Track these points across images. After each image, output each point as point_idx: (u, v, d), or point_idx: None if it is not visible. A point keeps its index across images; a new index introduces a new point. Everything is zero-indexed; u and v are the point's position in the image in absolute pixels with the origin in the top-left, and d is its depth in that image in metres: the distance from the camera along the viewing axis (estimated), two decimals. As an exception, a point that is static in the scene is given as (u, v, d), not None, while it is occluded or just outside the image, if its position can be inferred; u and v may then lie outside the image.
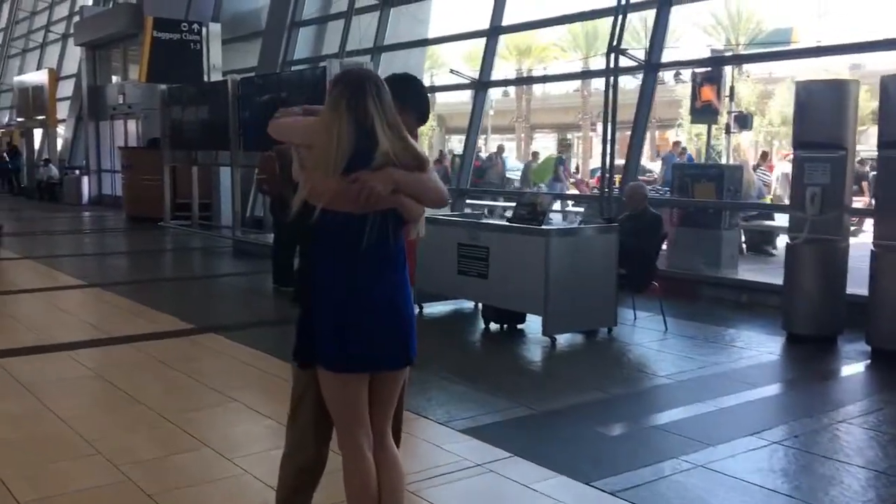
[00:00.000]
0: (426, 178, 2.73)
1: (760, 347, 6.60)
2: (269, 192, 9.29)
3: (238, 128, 12.69)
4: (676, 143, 17.05)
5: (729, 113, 18.02)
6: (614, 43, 9.49)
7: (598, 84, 38.95)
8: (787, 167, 14.99)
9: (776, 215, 13.02)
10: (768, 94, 36.57)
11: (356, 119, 2.61)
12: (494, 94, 39.80)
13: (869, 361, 6.20)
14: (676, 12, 9.77)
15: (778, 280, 10.17)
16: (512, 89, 41.64)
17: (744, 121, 18.42)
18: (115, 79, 22.44)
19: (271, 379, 5.57)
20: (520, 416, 4.78)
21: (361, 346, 2.70)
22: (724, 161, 19.38)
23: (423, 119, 2.98)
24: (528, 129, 43.49)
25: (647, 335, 7.03)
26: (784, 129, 35.48)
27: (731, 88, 18.76)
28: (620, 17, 9.50)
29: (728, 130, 19.42)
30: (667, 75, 10.31)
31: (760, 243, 12.58)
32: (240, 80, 12.78)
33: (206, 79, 15.97)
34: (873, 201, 8.26)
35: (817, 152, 6.64)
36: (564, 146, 18.00)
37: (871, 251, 6.42)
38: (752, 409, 5.11)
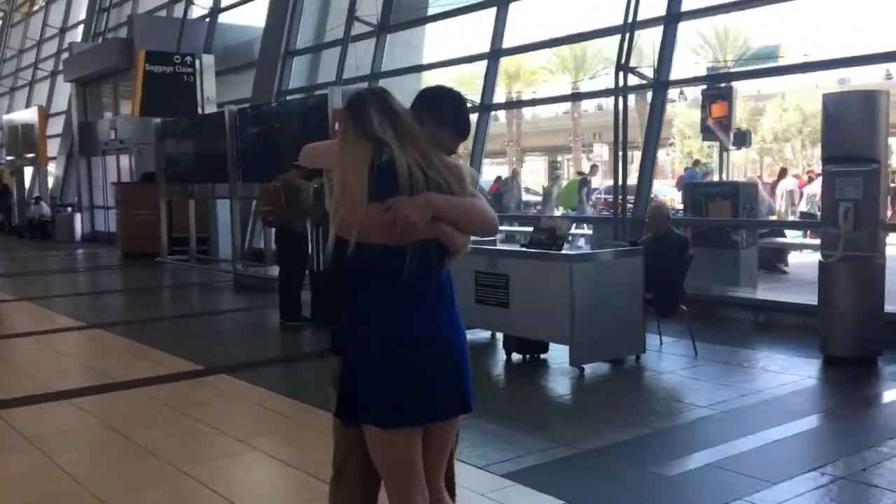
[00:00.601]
0: (470, 203, 2.44)
1: (798, 371, 6.31)
2: (274, 223, 8.98)
3: (236, 159, 12.40)
4: (697, 162, 16.87)
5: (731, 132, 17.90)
6: (622, 61, 9.27)
7: (588, 106, 39.04)
8: (792, 183, 14.89)
9: (787, 232, 12.85)
10: (759, 111, 36.64)
11: (370, 138, 2.35)
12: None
13: (915, 383, 5.93)
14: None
15: (795, 298, 10.00)
16: (502, 113, 41.62)
17: (742, 138, 18.27)
18: (106, 114, 22.18)
19: (289, 422, 5.25)
20: (563, 457, 4.45)
21: (411, 396, 2.38)
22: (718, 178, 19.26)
23: (463, 134, 2.66)
24: (520, 151, 43.42)
25: (676, 362, 6.73)
26: (776, 145, 35.54)
27: (702, 108, 18.74)
28: (628, 34, 9.29)
29: (725, 147, 19.30)
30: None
31: (773, 261, 12.32)
32: (237, 111, 12.51)
33: (200, 111, 15.72)
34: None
35: (848, 166, 6.39)
36: (592, 170, 17.60)
37: (911, 267, 6.17)
38: (806, 440, 4.81)
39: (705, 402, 5.48)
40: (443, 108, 2.62)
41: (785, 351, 7.04)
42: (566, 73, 38.79)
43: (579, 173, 20.65)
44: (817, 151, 34.14)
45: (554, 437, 4.76)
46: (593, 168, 18.38)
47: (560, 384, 6.30)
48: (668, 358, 6.90)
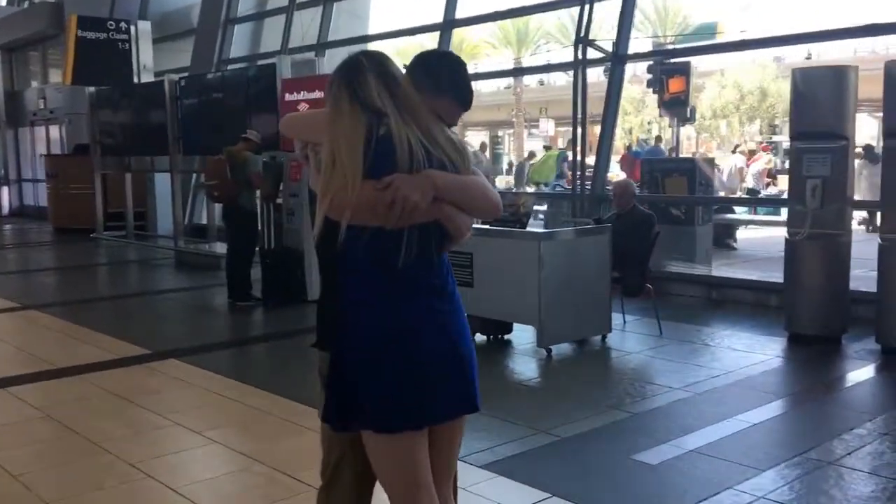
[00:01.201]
0: (473, 181, 2.18)
1: (765, 350, 6.25)
2: (221, 199, 8.57)
3: (176, 130, 11.86)
4: (659, 138, 16.81)
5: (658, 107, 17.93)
6: (582, 34, 9.07)
7: (529, 81, 38.82)
8: (740, 160, 15.00)
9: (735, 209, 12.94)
10: (698, 87, 37.02)
11: (366, 108, 2.08)
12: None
13: (881, 361, 5.91)
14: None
15: (749, 275, 10.03)
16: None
17: (691, 113, 18.38)
18: (34, 83, 21.13)
19: (248, 411, 4.95)
20: (543, 445, 4.27)
21: (410, 393, 2.13)
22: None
23: (466, 103, 2.38)
24: (461, 127, 43.19)
25: (643, 341, 6.62)
26: (714, 122, 35.99)
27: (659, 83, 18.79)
28: (588, 6, 9.09)
29: (670, 123, 19.40)
30: (598, 70, 9.94)
31: (722, 237, 12.38)
32: (177, 81, 11.95)
33: (136, 80, 14.99)
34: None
35: (817, 143, 6.32)
36: (568, 144, 17.13)
37: (879, 245, 6.14)
38: (785, 424, 4.74)
39: (678, 384, 5.36)
40: (442, 73, 2.34)
41: (748, 329, 6.99)
42: (508, 47, 38.56)
43: (546, 147, 20.34)
44: (754, 128, 34.65)
45: (530, 424, 4.57)
46: (570, 143, 18.07)
47: (529, 367, 6.12)
48: (633, 337, 6.78)
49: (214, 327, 7.76)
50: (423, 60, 2.38)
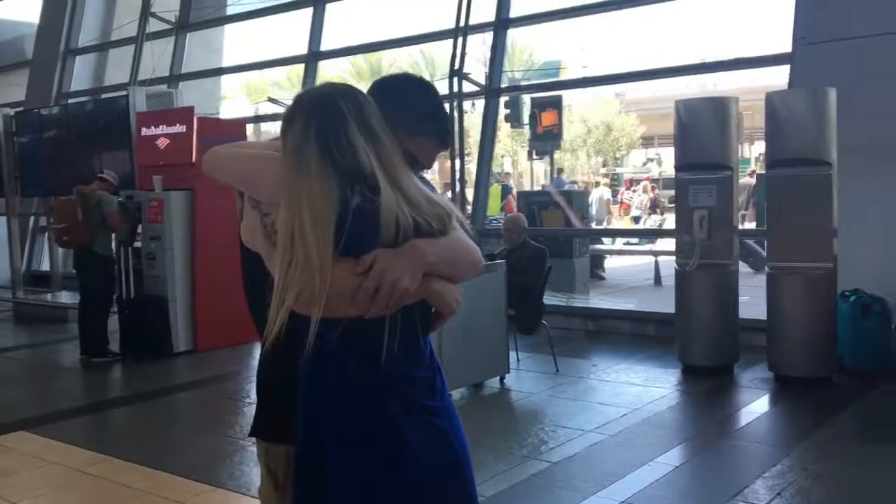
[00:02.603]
0: (458, 242, 1.78)
1: (663, 384, 6.17)
2: (71, 244, 7.69)
3: (13, 170, 10.75)
4: (561, 170, 16.88)
5: (530, 140, 18.28)
6: (456, 66, 8.91)
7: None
8: (606, 192, 15.41)
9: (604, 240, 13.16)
10: (548, 122, 38.11)
11: (338, 166, 1.64)
12: (277, 127, 38.56)
13: (775, 389, 5.94)
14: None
15: (625, 305, 10.13)
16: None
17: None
18: None
19: (120, 491, 4.29)
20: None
21: None
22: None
23: (446, 142, 1.97)
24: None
25: (541, 380, 6.39)
26: (569, 155, 37.21)
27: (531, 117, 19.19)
28: (461, 38, 8.94)
29: (531, 156, 19.77)
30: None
31: (593, 268, 12.52)
32: (14, 116, 10.86)
33: (-39, 115, 13.60)
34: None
35: (702, 174, 6.35)
36: (505, 176, 16.62)
37: (767, 273, 6.21)
38: (708, 465, 4.58)
39: (589, 426, 5.13)
40: (418, 106, 1.90)
41: (640, 362, 6.92)
42: (362, 81, 38.45)
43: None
44: (599, 160, 35.85)
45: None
46: (507, 175, 17.75)
47: (428, 415, 5.73)
48: (530, 377, 6.55)
49: (68, 390, 6.86)
50: (389, 89, 1.91)
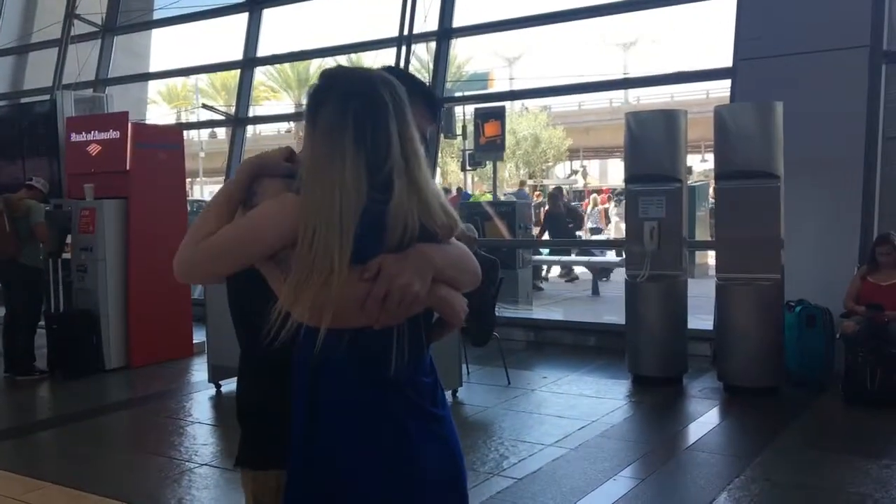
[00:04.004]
0: (462, 250, 1.71)
1: (615, 395, 6.16)
2: (-6, 256, 7.26)
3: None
4: (523, 182, 16.87)
5: (463, 151, 18.32)
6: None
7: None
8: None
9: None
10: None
11: (370, 162, 1.53)
12: (202, 135, 37.76)
13: (725, 398, 5.99)
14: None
15: (566, 316, 10.17)
16: (221, 130, 39.49)
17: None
18: None
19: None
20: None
21: None
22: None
23: (436, 109, 1.94)
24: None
25: (494, 393, 6.30)
26: (499, 164, 37.48)
27: (463, 128, 19.27)
28: (404, 48, 8.84)
29: (464, 167, 19.84)
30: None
31: (531, 278, 12.56)
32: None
33: None
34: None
35: (651, 185, 6.39)
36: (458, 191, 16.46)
37: (716, 284, 6.27)
38: (673, 478, 4.56)
39: (549, 439, 5.07)
40: (406, 83, 1.80)
41: (589, 372, 6.91)
42: (289, 91, 37.89)
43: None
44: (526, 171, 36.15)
45: None
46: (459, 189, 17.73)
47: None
48: (482, 389, 6.46)
49: (-8, 411, 6.46)
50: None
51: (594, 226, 15.19)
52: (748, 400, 5.89)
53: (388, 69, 1.90)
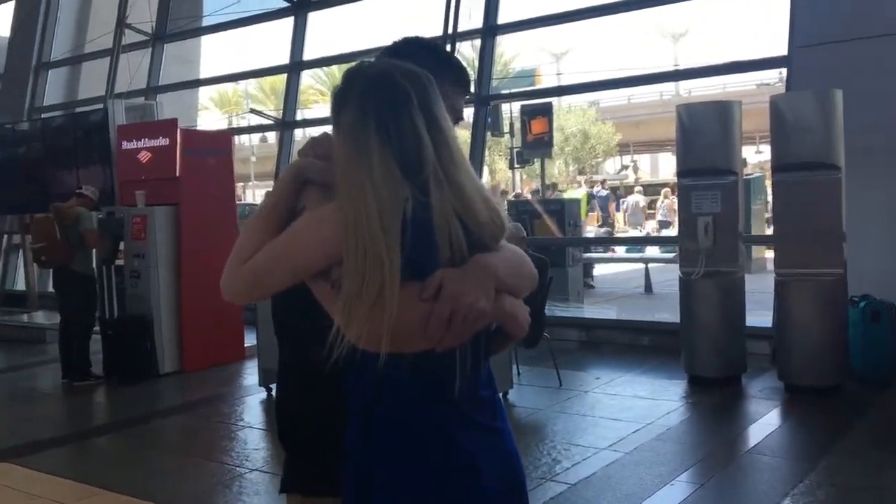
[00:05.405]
0: (519, 255, 1.60)
1: (671, 396, 5.99)
2: (50, 263, 7.39)
3: (-14, 187, 10.42)
4: (604, 181, 16.80)
5: (510, 148, 18.18)
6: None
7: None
8: (641, 198, 15.62)
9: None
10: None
11: (402, 160, 1.43)
12: (254, 139, 38.24)
13: (786, 399, 5.78)
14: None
15: (620, 315, 9.97)
16: (272, 134, 39.88)
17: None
18: None
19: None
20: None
21: None
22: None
23: (467, 84, 1.81)
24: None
25: (545, 395, 6.19)
26: (548, 161, 37.20)
27: (510, 125, 19.10)
28: (449, 46, 8.75)
29: (512, 166, 19.72)
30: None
31: (582, 276, 12.38)
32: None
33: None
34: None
35: (705, 179, 6.20)
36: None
37: (775, 280, 6.06)
38: (734, 483, 4.39)
39: (603, 443, 4.93)
40: (434, 54, 1.75)
41: (643, 373, 6.74)
42: (338, 91, 38.08)
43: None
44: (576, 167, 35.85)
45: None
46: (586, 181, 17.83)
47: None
48: (533, 391, 6.35)
49: (50, 417, 6.52)
50: (395, 49, 1.77)
51: (663, 219, 15.06)
52: (810, 399, 5.67)
53: (406, 41, 1.82)
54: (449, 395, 1.46)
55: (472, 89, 1.89)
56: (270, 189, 1.68)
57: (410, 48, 1.77)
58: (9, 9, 14.84)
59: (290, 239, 1.46)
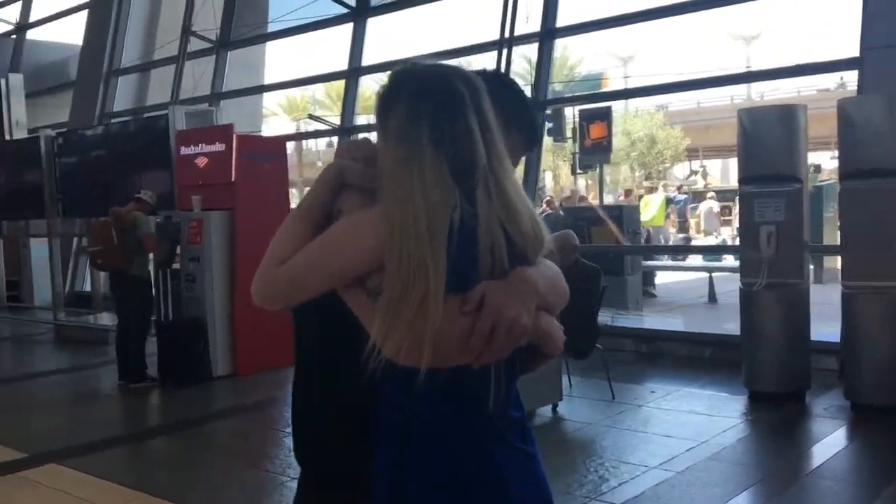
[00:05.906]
0: (548, 268, 1.52)
1: (729, 412, 5.75)
2: (106, 266, 7.53)
3: (55, 191, 10.70)
4: (680, 187, 16.54)
5: (573, 154, 17.94)
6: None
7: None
8: (714, 204, 15.31)
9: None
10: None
11: (455, 165, 1.36)
12: (319, 144, 38.70)
13: (853, 418, 5.48)
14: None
15: (681, 326, 9.68)
16: (336, 139, 40.24)
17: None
18: None
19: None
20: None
21: None
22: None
23: (533, 144, 1.76)
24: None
25: (597, 409, 6.01)
26: (610, 168, 36.68)
27: (573, 130, 18.89)
28: (505, 51, 8.65)
29: (574, 171, 19.47)
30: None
31: (643, 284, 12.09)
32: (55, 137, 10.82)
33: (7, 136, 13.70)
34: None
35: (768, 187, 5.94)
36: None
37: (842, 293, 5.76)
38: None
39: (654, 461, 4.74)
40: (508, 101, 1.64)
41: (702, 387, 6.51)
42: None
43: (649, 190, 19.33)
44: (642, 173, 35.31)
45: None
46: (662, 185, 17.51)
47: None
48: (584, 404, 6.17)
49: (104, 418, 6.62)
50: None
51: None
52: (879, 419, 5.37)
53: (498, 77, 1.76)
54: (484, 409, 1.40)
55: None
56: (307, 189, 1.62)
57: (495, 83, 1.62)
58: (82, 18, 15.33)
59: (329, 242, 1.41)
